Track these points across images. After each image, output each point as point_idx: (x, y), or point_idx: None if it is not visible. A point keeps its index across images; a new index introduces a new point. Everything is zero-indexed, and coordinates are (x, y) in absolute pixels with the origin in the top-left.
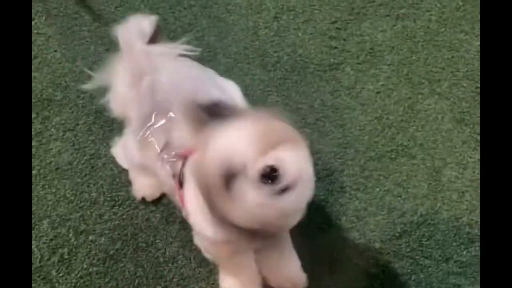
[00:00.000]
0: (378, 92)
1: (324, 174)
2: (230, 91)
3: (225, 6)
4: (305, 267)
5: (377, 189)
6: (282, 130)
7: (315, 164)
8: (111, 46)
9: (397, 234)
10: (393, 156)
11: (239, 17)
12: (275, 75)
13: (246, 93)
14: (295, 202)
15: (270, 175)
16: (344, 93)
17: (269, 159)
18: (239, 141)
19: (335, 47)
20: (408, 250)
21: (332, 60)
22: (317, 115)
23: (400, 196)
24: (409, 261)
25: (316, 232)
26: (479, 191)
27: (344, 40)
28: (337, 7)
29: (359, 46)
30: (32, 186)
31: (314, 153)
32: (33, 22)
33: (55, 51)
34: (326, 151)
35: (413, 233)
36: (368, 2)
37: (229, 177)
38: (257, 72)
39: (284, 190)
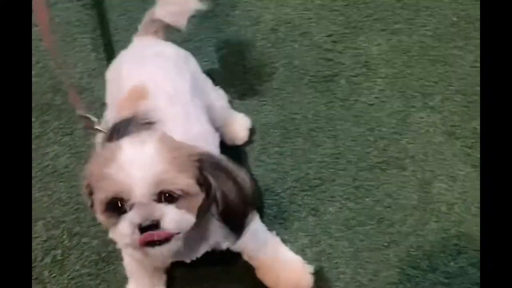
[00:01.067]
0: (371, 104)
1: (315, 184)
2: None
3: (224, 17)
4: None
5: (367, 199)
6: (178, 171)
7: (307, 173)
8: (113, 55)
9: (385, 244)
10: (384, 167)
11: (238, 29)
12: (271, 86)
13: (242, 102)
14: (163, 253)
15: (148, 226)
16: (338, 105)
17: (154, 213)
18: (131, 172)
19: (331, 59)
20: (396, 260)
21: (327, 72)
22: (310, 125)
23: (390, 207)
24: (396, 271)
25: (306, 240)
26: (467, 203)
27: (340, 52)
28: (334, 21)
29: (355, 59)
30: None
31: (307, 162)
32: (36, 28)
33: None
34: (318, 160)
35: (401, 243)
36: (365, 17)
37: (111, 203)
38: (254, 82)
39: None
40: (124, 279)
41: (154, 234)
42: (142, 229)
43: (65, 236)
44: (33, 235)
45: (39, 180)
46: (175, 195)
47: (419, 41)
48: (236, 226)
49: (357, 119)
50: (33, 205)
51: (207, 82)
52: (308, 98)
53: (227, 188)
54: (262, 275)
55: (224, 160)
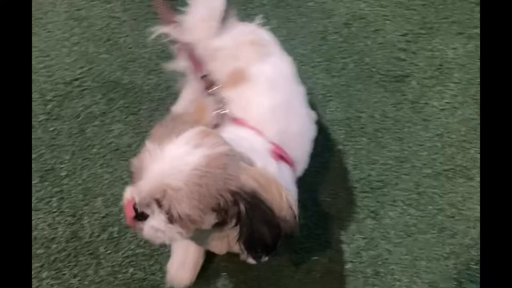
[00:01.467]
0: (442, 109)
1: (376, 186)
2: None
3: (296, 8)
4: (349, 275)
5: (430, 207)
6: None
7: (369, 175)
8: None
9: (445, 255)
10: (450, 175)
11: (309, 20)
12: (339, 81)
13: (308, 96)
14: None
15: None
16: (407, 107)
17: (146, 207)
18: (154, 164)
19: (403, 59)
20: (454, 272)
21: (398, 72)
22: (377, 125)
23: (453, 217)
24: (453, 283)
25: (362, 243)
26: None
27: (413, 53)
28: (409, 20)
29: (428, 61)
30: (91, 164)
31: (370, 163)
32: (108, 6)
33: (127, 36)
34: (381, 162)
35: (462, 255)
36: (442, 18)
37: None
38: (321, 77)
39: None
40: None
41: (135, 225)
42: (135, 208)
43: (122, 215)
44: (91, 210)
45: (101, 157)
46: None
47: None
48: (257, 256)
49: (426, 123)
50: (94, 181)
51: None
52: (376, 97)
53: (258, 227)
54: None
55: (265, 201)
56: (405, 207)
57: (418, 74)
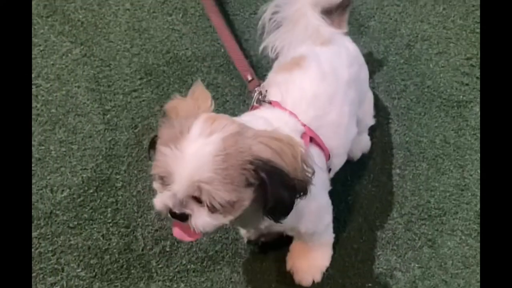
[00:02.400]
0: None
1: (435, 213)
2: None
3: (358, 27)
4: None
5: None
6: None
7: (427, 201)
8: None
9: None
10: None
11: (370, 40)
12: (399, 104)
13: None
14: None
15: (178, 215)
16: (469, 133)
17: (185, 207)
18: (179, 164)
19: (467, 84)
20: None
21: (461, 96)
22: (437, 151)
23: None
24: None
25: (418, 272)
26: None
27: (477, 78)
28: (474, 43)
29: None
30: (146, 175)
31: (428, 190)
32: (169, 18)
33: (187, 49)
34: (441, 189)
35: None
36: None
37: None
38: (381, 98)
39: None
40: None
41: (183, 231)
42: (173, 213)
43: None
44: (145, 223)
45: None
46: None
47: None
48: (280, 217)
49: None
50: (149, 193)
51: (368, 92)
52: (437, 121)
53: (279, 191)
54: (293, 252)
55: (281, 166)
56: (464, 237)
57: None
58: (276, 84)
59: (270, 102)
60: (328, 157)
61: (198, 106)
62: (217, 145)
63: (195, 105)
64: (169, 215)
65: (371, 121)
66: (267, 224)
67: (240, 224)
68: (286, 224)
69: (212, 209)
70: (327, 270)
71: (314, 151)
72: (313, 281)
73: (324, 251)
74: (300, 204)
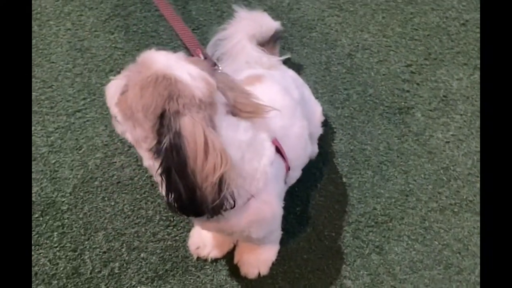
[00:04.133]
0: (447, 142)
1: (382, 220)
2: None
3: (300, 38)
4: None
5: (436, 242)
6: None
7: (374, 208)
8: None
9: None
10: (456, 210)
11: (312, 51)
12: (343, 113)
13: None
14: None
15: None
16: (411, 139)
17: None
18: None
19: (407, 91)
20: None
21: (402, 103)
22: (381, 158)
23: (460, 253)
24: None
25: (368, 279)
26: None
27: (418, 84)
28: (413, 50)
29: (432, 92)
30: (92, 197)
31: (374, 197)
32: (112, 36)
33: None
34: (386, 196)
35: None
36: (446, 49)
37: None
38: (325, 108)
39: None
40: None
41: None
42: None
43: (124, 249)
44: (92, 245)
45: (103, 190)
46: None
47: None
48: (170, 205)
49: (431, 156)
50: (96, 215)
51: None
52: (380, 129)
53: (174, 176)
54: (240, 247)
55: (187, 156)
56: (410, 242)
57: (423, 106)
58: None
59: None
60: (288, 169)
61: None
62: (180, 67)
63: None
64: None
65: (320, 131)
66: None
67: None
68: (239, 229)
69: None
70: (277, 282)
71: (277, 160)
72: (259, 274)
73: (271, 246)
74: (256, 210)
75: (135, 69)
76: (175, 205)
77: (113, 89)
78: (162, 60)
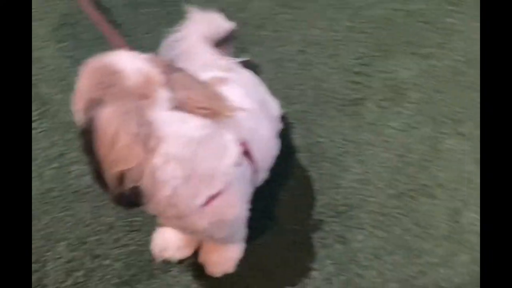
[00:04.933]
0: (400, 130)
1: (342, 210)
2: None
3: (251, 37)
4: None
5: (396, 228)
6: None
7: (334, 199)
8: None
9: (414, 275)
10: (413, 195)
11: (264, 49)
12: (298, 108)
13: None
14: None
15: None
16: (366, 129)
17: None
18: None
19: (359, 83)
20: None
21: (355, 95)
22: (338, 149)
23: (419, 236)
24: None
25: (332, 268)
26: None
27: (369, 76)
28: (363, 43)
29: (383, 82)
30: (51, 208)
31: (334, 188)
32: (62, 45)
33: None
34: (345, 186)
35: (430, 274)
36: (394, 40)
37: None
38: (280, 104)
39: None
40: None
41: None
42: None
43: (87, 258)
44: (55, 256)
45: (62, 200)
46: None
47: (450, 66)
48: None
49: (385, 144)
50: (56, 225)
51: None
52: (335, 121)
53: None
54: (205, 247)
55: (95, 145)
56: (371, 230)
57: (375, 96)
58: None
59: None
60: (255, 171)
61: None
62: (127, 64)
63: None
64: None
65: (279, 126)
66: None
67: None
68: (201, 229)
69: None
70: (243, 278)
71: (243, 162)
72: (225, 272)
73: (236, 245)
74: (218, 211)
75: None
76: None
77: None
78: (117, 55)
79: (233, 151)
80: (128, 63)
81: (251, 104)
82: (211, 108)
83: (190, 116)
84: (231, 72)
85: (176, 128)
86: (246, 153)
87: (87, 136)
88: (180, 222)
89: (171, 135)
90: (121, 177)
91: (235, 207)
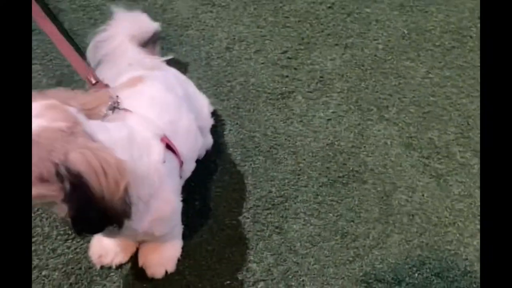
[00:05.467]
0: (329, 119)
1: (278, 201)
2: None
3: (177, 37)
4: None
5: (330, 215)
6: None
7: (269, 192)
8: (63, 79)
9: (350, 259)
10: (344, 181)
11: (191, 48)
12: (229, 104)
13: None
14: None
15: None
16: (296, 121)
17: None
18: None
19: (287, 76)
20: (361, 274)
21: (283, 88)
22: (270, 142)
23: (353, 221)
24: (362, 285)
25: (272, 259)
26: (428, 214)
27: (295, 69)
28: (287, 38)
29: (310, 74)
30: None
31: (268, 180)
32: None
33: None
34: (280, 178)
35: (366, 257)
36: (317, 32)
37: None
38: (211, 102)
39: None
40: None
41: None
42: None
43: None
44: None
45: None
46: None
47: (371, 54)
48: (82, 232)
49: (315, 134)
50: None
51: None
52: (266, 115)
53: (83, 208)
54: (143, 249)
55: (92, 186)
56: (307, 218)
57: (302, 89)
58: (124, 98)
59: (125, 111)
60: (181, 163)
61: (93, 107)
62: (34, 129)
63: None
64: None
65: (211, 122)
66: (128, 232)
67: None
68: (143, 230)
69: None
70: (185, 277)
71: (169, 156)
72: (166, 272)
73: (174, 243)
74: (156, 209)
75: None
76: (81, 229)
77: None
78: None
79: (158, 147)
80: (37, 124)
81: (169, 98)
82: (100, 100)
83: (101, 122)
84: (155, 71)
85: (107, 135)
86: (169, 147)
87: (78, 191)
88: (125, 231)
89: (110, 142)
90: (125, 192)
91: (171, 202)
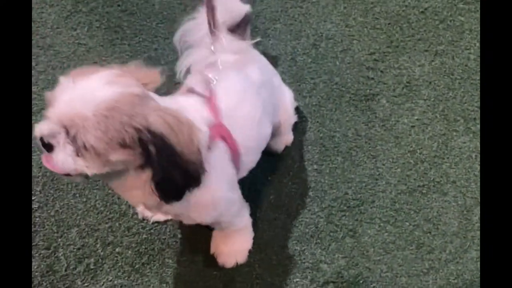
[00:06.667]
0: (412, 126)
1: (354, 204)
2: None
3: (264, 30)
4: None
5: (407, 223)
6: None
7: (345, 193)
8: (150, 61)
9: (424, 270)
10: (424, 191)
11: (277, 42)
12: (310, 102)
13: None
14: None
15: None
16: (378, 125)
17: (52, 136)
18: (64, 93)
19: (372, 78)
20: (435, 287)
21: (368, 90)
22: (350, 144)
23: (430, 232)
24: None
25: (343, 262)
26: None
27: (381, 71)
28: (376, 39)
29: (396, 79)
30: (63, 194)
31: (345, 182)
32: (74, 33)
33: (95, 62)
34: (357, 181)
35: (441, 270)
36: (407, 36)
37: None
38: (294, 97)
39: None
40: None
41: (45, 159)
42: (42, 141)
43: (98, 245)
44: (66, 242)
45: (74, 187)
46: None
47: (462, 64)
48: (170, 198)
49: (397, 140)
50: (67, 212)
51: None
52: (348, 116)
53: (168, 170)
54: (216, 238)
55: (174, 145)
56: (382, 224)
57: (387, 92)
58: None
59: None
60: (236, 153)
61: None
62: (110, 94)
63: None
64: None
65: (294, 118)
66: (167, 208)
67: (129, 197)
68: (177, 210)
69: (78, 151)
70: (254, 269)
71: (220, 145)
72: (237, 263)
73: (244, 234)
74: (195, 194)
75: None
76: (169, 195)
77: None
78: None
79: (201, 134)
80: (109, 91)
81: (236, 84)
82: (150, 79)
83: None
84: (245, 54)
85: (163, 102)
86: (223, 138)
87: (162, 146)
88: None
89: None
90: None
91: (213, 191)
